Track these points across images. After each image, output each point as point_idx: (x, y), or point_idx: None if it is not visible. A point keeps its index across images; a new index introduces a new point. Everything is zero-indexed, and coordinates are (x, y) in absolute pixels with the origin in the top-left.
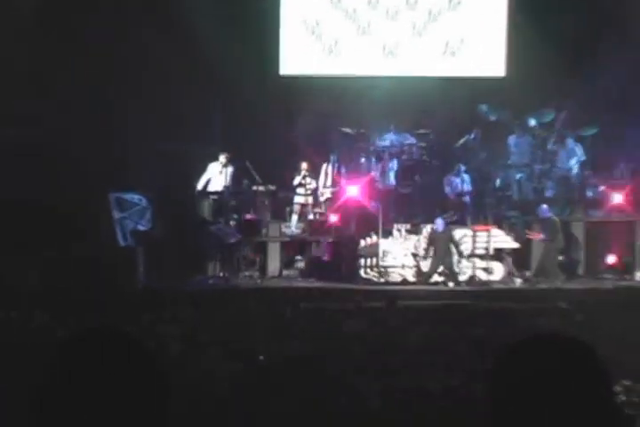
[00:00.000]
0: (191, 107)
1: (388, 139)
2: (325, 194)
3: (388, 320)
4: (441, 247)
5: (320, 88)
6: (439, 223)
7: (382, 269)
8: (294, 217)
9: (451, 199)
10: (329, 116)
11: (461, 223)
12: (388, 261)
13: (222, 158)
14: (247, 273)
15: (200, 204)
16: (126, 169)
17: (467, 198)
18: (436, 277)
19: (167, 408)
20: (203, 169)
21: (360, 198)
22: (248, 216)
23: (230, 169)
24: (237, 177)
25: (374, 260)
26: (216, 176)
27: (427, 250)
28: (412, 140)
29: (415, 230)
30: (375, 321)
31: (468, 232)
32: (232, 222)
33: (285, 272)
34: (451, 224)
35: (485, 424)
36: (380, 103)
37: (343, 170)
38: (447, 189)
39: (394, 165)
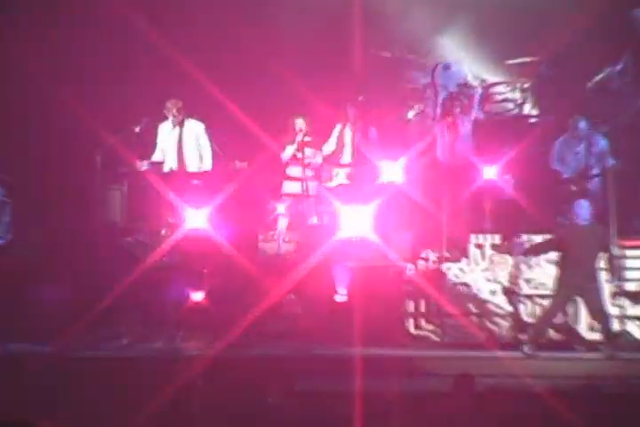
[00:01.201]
0: None
1: (456, 77)
2: (339, 176)
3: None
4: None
5: None
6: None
7: (449, 321)
8: (282, 222)
9: (567, 186)
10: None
11: None
12: (457, 307)
13: (176, 114)
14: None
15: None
16: None
17: (594, 183)
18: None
19: None
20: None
21: (406, 187)
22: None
23: (189, 128)
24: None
25: (434, 301)
26: (164, 144)
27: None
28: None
29: (507, 247)
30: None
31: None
32: (163, 231)
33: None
34: None
35: None
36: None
37: (374, 134)
38: (559, 166)
39: (465, 124)
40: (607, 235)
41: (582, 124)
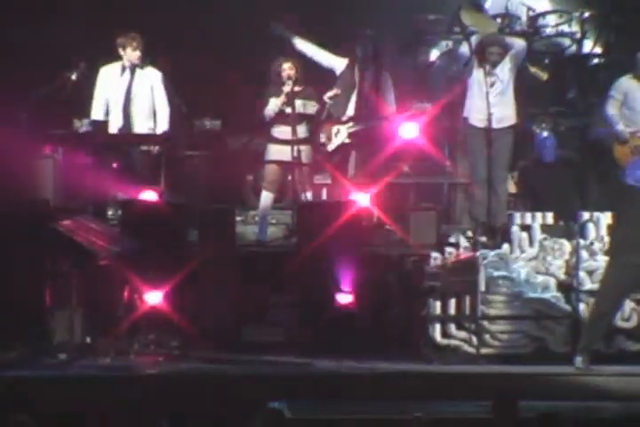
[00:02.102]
0: None
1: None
2: (340, 135)
3: None
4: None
5: None
6: None
7: (487, 327)
8: (266, 198)
9: None
10: None
11: None
12: (496, 308)
13: (131, 53)
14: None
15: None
16: None
17: None
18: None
19: None
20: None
21: (428, 150)
22: (148, 194)
23: (142, 76)
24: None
25: (466, 301)
26: (109, 92)
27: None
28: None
29: (564, 229)
30: None
31: None
32: (110, 212)
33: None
34: None
35: None
36: None
37: (387, 80)
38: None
39: (503, 75)
40: None
41: None
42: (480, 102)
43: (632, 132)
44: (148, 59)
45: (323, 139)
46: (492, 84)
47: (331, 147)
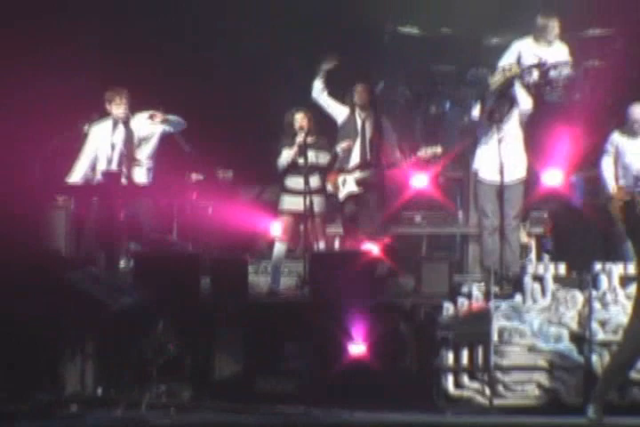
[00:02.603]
0: None
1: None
2: (347, 186)
3: None
4: None
5: None
6: None
7: (500, 377)
8: (279, 248)
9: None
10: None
11: None
12: (509, 358)
13: (117, 108)
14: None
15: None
16: None
17: None
18: None
19: None
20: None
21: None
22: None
23: (135, 128)
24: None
25: (479, 351)
26: (103, 149)
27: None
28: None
29: (576, 280)
30: None
31: None
32: (123, 262)
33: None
34: None
35: None
36: None
37: (389, 129)
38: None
39: (512, 130)
40: None
41: None
42: (489, 156)
43: (621, 187)
44: (136, 112)
45: (329, 188)
46: (501, 140)
47: (341, 196)
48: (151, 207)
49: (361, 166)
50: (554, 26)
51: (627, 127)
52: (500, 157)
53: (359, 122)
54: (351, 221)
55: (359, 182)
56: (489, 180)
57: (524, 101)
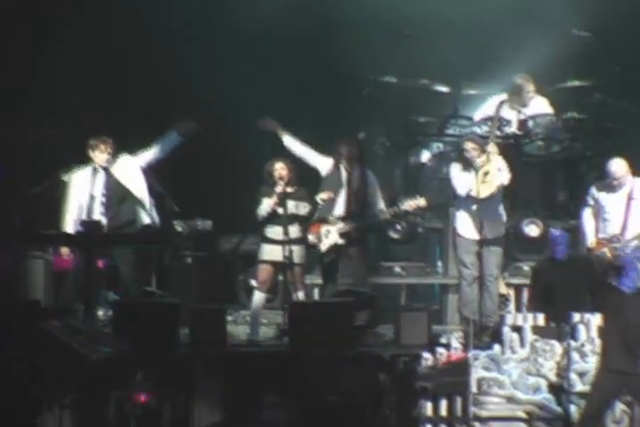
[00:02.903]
0: None
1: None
2: (330, 237)
3: None
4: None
5: None
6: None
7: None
8: (258, 298)
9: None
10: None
11: None
12: (488, 409)
13: (100, 155)
14: None
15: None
16: None
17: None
18: None
19: None
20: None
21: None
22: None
23: (114, 175)
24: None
25: (458, 402)
26: (81, 197)
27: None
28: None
29: (555, 331)
30: None
31: None
32: (101, 312)
33: None
34: None
35: None
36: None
37: (375, 182)
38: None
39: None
40: None
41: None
42: (467, 216)
43: (599, 241)
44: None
45: (311, 239)
46: (479, 203)
47: (323, 248)
48: (131, 256)
49: (345, 218)
50: (529, 88)
51: (606, 182)
52: (480, 217)
53: (344, 174)
54: (331, 272)
55: (342, 234)
56: (468, 237)
57: (504, 176)
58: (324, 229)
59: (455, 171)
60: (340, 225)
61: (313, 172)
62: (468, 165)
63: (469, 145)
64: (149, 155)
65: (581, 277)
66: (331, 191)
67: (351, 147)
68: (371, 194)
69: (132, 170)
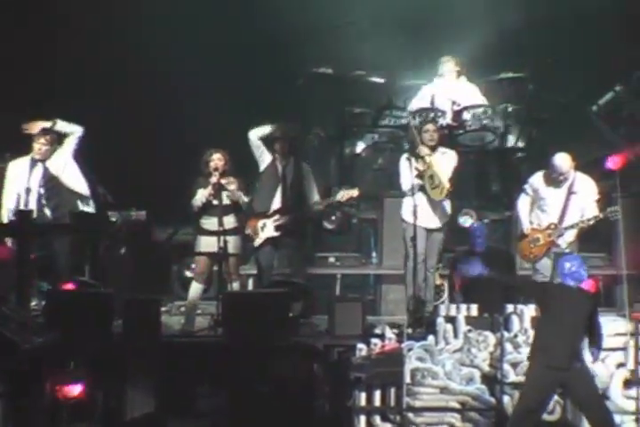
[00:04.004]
0: None
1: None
2: (266, 230)
3: None
4: None
5: None
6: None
7: (412, 418)
8: (194, 289)
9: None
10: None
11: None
12: (422, 400)
13: (39, 145)
14: None
15: None
16: None
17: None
18: None
19: None
20: None
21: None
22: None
23: (51, 167)
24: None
25: (392, 392)
26: (19, 188)
27: None
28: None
29: (488, 322)
30: None
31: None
32: (34, 302)
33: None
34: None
35: None
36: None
37: (310, 175)
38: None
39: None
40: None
41: (564, 163)
42: (410, 201)
43: (535, 228)
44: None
45: (248, 233)
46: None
47: (257, 242)
48: (65, 246)
49: (280, 211)
50: (453, 67)
51: (548, 175)
52: (424, 206)
53: (280, 169)
54: (266, 262)
55: (278, 227)
56: (410, 222)
57: (451, 157)
58: (260, 222)
59: (403, 168)
60: (276, 218)
61: (252, 163)
62: (417, 159)
63: (431, 127)
64: (72, 138)
65: (499, 269)
66: (266, 184)
67: (283, 141)
68: (305, 186)
69: (66, 160)
